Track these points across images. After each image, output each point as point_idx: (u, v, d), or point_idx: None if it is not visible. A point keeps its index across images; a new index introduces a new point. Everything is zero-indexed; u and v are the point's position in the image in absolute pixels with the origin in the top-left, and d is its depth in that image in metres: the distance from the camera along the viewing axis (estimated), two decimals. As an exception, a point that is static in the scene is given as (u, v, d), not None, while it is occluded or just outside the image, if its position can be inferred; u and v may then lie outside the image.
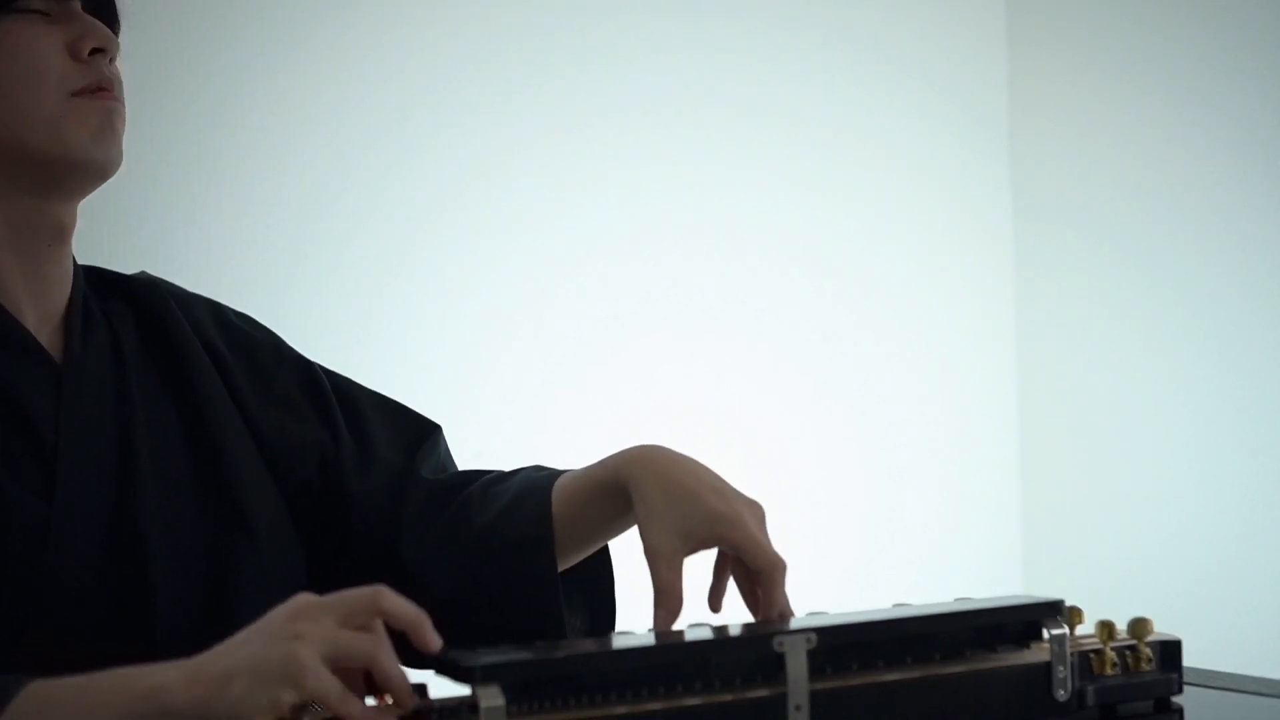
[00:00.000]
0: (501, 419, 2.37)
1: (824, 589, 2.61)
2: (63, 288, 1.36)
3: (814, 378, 2.73)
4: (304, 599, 1.05)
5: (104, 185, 1.37)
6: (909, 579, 2.78)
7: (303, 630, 1.01)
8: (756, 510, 1.31)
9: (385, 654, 1.02)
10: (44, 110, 1.29)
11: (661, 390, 2.55)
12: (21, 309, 1.32)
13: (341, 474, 1.43)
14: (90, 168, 1.32)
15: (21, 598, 1.21)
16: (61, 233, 1.35)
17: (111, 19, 1.39)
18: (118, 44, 1.35)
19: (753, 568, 1.26)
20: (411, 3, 2.35)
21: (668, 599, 1.23)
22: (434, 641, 1.04)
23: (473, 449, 2.36)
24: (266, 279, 2.22)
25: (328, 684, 1.00)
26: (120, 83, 1.35)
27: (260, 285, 2.19)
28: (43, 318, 1.34)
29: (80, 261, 1.39)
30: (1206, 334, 2.73)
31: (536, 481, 1.42)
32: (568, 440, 2.43)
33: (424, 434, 1.49)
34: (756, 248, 2.67)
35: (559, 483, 1.40)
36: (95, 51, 1.32)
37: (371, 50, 2.32)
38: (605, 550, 1.44)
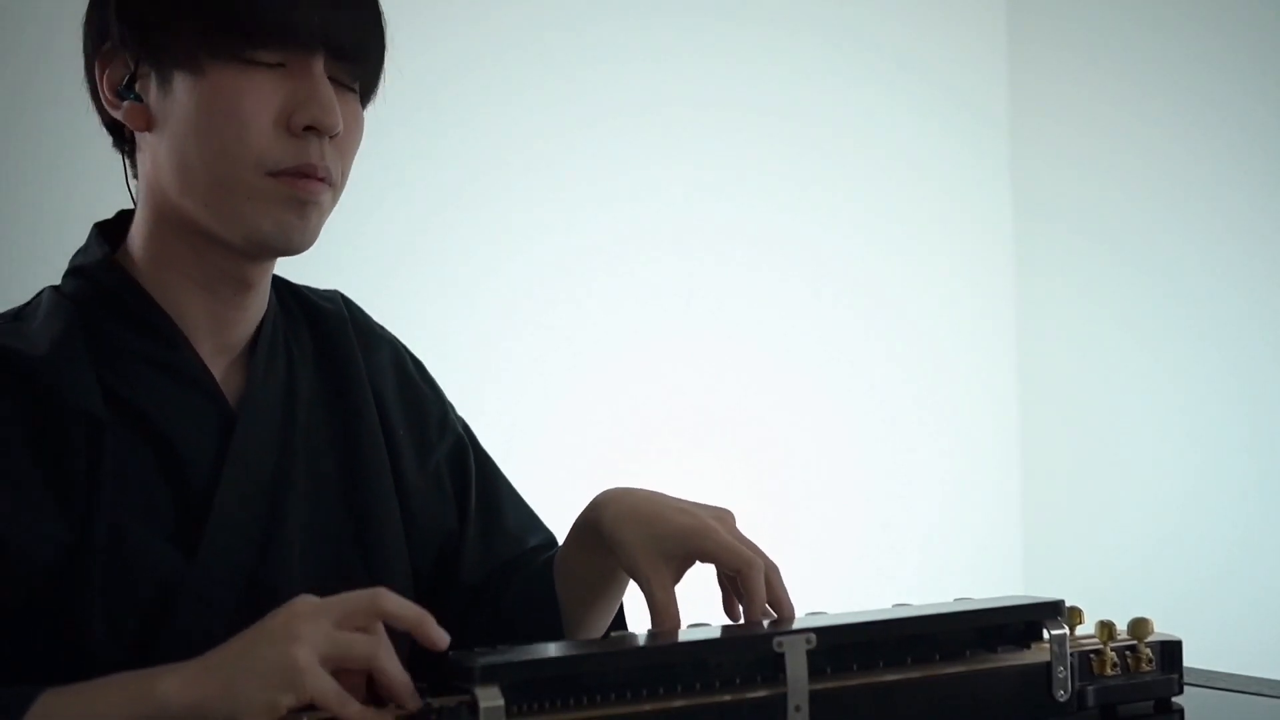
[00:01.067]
0: (501, 419, 2.37)
1: (824, 589, 2.61)
2: (248, 327, 1.31)
3: (814, 378, 2.74)
4: (303, 600, 1.04)
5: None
6: (909, 579, 2.78)
7: (301, 632, 1.01)
8: (725, 518, 1.31)
9: (385, 655, 1.02)
10: (235, 181, 1.20)
11: (661, 390, 2.55)
12: (200, 340, 1.27)
13: (458, 564, 1.40)
14: (270, 249, 1.25)
15: (145, 649, 1.17)
16: (248, 286, 1.29)
17: (368, 73, 1.27)
18: (339, 122, 1.22)
19: (730, 572, 1.26)
20: (412, 2, 2.35)
21: (663, 620, 1.22)
22: (441, 638, 1.04)
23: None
24: (266, 279, 2.22)
25: (326, 686, 0.99)
26: (342, 160, 1.24)
27: (260, 285, 2.19)
28: (220, 351, 1.29)
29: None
30: (1206, 334, 2.73)
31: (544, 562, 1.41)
32: (568, 440, 2.43)
33: (548, 542, 1.48)
34: (756, 248, 2.67)
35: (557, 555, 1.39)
36: (310, 128, 1.21)
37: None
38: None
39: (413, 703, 1.01)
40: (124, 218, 1.32)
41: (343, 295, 1.46)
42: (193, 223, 1.24)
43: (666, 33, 2.58)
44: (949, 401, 2.90)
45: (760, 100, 2.68)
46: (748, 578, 1.22)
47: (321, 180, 1.23)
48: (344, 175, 1.27)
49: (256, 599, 1.23)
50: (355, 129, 1.27)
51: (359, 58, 1.25)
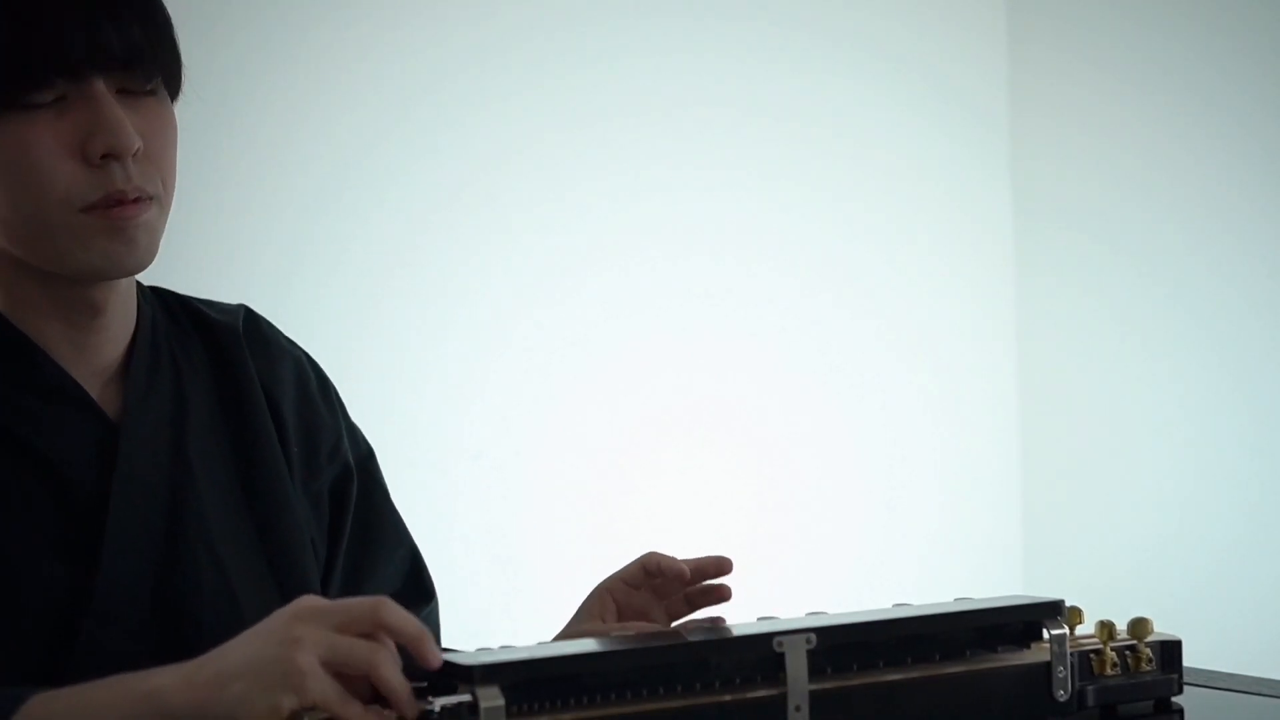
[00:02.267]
0: (502, 420, 2.37)
1: (824, 589, 2.61)
2: (115, 346, 1.27)
3: (814, 377, 2.73)
4: (306, 602, 1.04)
5: None
6: (909, 579, 2.78)
7: (302, 634, 1.00)
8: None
9: (385, 660, 1.01)
10: (47, 225, 1.16)
11: (662, 390, 2.54)
12: (69, 363, 1.24)
13: (327, 590, 1.37)
14: (104, 275, 1.21)
15: (59, 667, 1.16)
16: (99, 310, 1.24)
17: (162, 71, 1.20)
18: (134, 140, 1.16)
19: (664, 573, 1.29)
20: (411, 3, 2.35)
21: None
22: (435, 657, 1.03)
23: (473, 450, 2.37)
24: (266, 279, 2.22)
25: (327, 688, 0.99)
26: (157, 171, 1.19)
27: (260, 285, 2.19)
28: (94, 370, 1.26)
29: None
30: (1206, 334, 2.73)
31: None
32: (568, 440, 2.43)
33: (422, 597, 1.43)
34: (756, 248, 2.67)
35: None
36: (107, 155, 1.16)
37: (371, 50, 2.32)
38: None
39: (411, 711, 1.01)
40: None
41: (247, 309, 1.40)
42: (26, 261, 1.21)
43: (666, 32, 2.58)
44: (949, 401, 2.90)
45: (760, 100, 2.68)
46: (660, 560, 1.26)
47: (136, 201, 1.18)
48: (166, 182, 1.21)
49: (164, 612, 1.22)
50: (162, 132, 1.21)
51: (141, 61, 1.18)
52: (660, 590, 1.37)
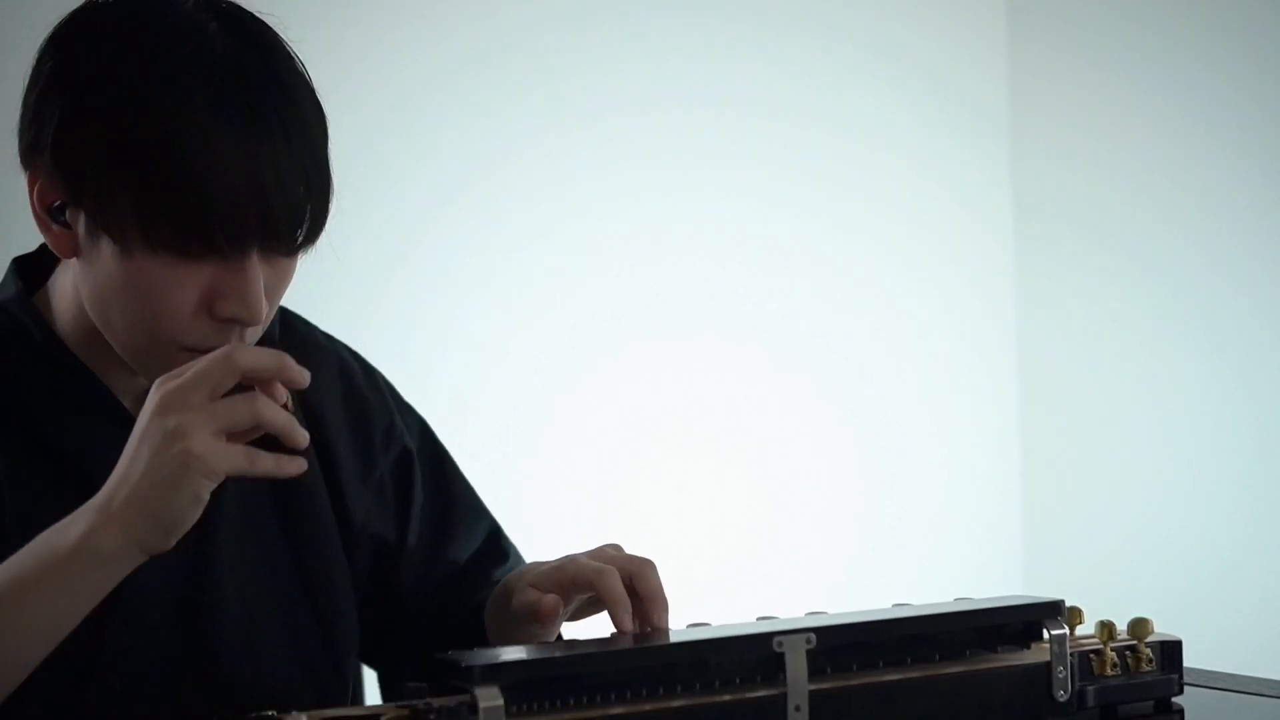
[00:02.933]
0: (502, 420, 2.37)
1: (824, 589, 2.61)
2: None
3: (814, 378, 2.73)
4: (163, 391, 1.06)
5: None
6: (909, 579, 2.77)
7: (179, 422, 1.03)
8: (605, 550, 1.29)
9: (265, 405, 1.05)
10: (146, 349, 1.17)
11: (661, 390, 2.55)
12: (110, 374, 1.24)
13: (397, 570, 1.39)
14: None
15: (81, 669, 1.17)
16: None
17: (308, 242, 1.20)
18: (262, 315, 1.16)
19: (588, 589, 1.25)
20: (411, 3, 2.35)
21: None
22: (301, 376, 1.08)
23: (472, 450, 2.37)
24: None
25: (233, 455, 1.03)
26: (263, 326, 1.20)
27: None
28: (136, 382, 1.24)
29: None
30: (1206, 334, 2.73)
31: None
32: (568, 441, 2.43)
33: (498, 555, 1.45)
34: (756, 248, 2.67)
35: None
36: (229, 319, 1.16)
37: (371, 50, 2.32)
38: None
39: (302, 440, 1.06)
40: (47, 254, 1.26)
41: (283, 309, 1.38)
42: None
43: (666, 33, 2.58)
44: (949, 401, 2.90)
45: (760, 100, 2.68)
46: (602, 585, 1.21)
47: None
48: (269, 318, 1.22)
49: (189, 618, 1.23)
50: (282, 285, 1.22)
51: (298, 231, 1.18)
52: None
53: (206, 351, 1.14)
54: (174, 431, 1.02)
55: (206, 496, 1.03)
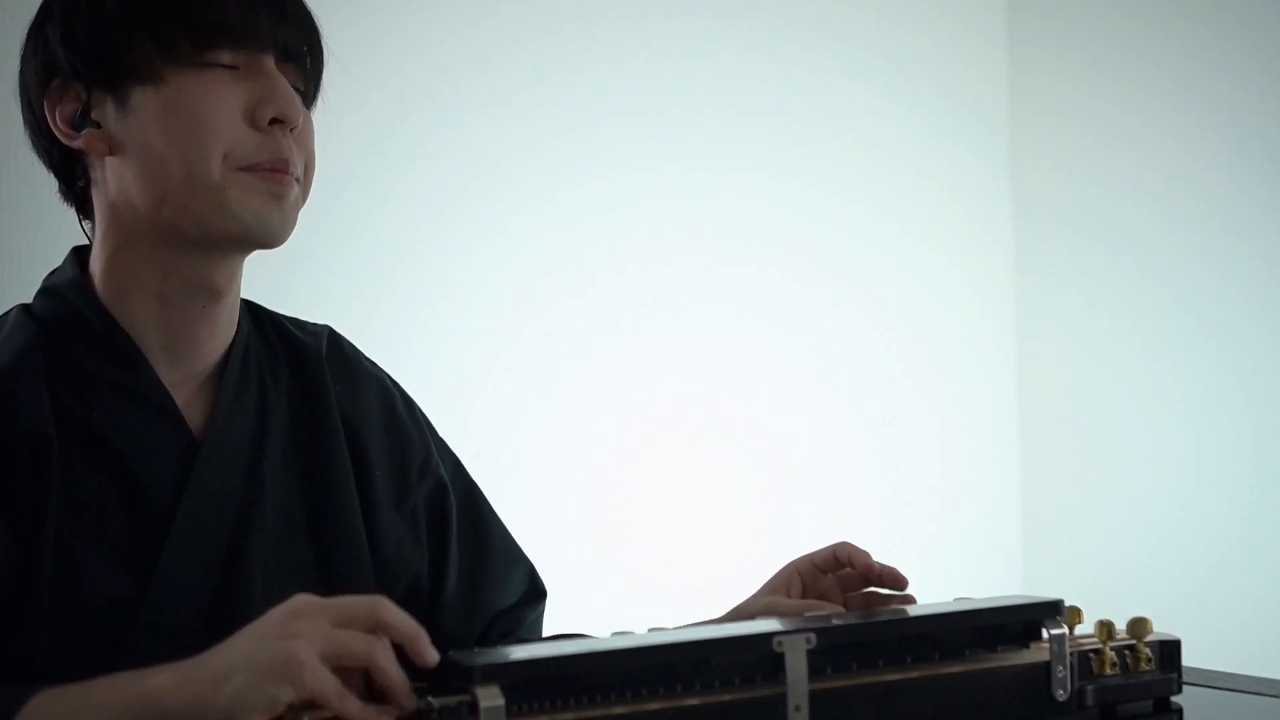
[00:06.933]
0: (502, 420, 2.37)
1: (824, 589, 2.60)
2: (215, 347, 1.31)
3: (813, 378, 2.73)
4: (303, 599, 1.04)
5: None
6: (909, 579, 2.77)
7: (300, 629, 1.00)
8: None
9: (384, 654, 1.01)
10: (209, 178, 1.22)
11: (661, 391, 2.55)
12: (164, 363, 1.27)
13: (433, 618, 1.39)
14: (251, 240, 1.27)
15: (98, 674, 1.15)
16: (217, 293, 1.29)
17: (311, 76, 1.31)
18: (303, 113, 1.27)
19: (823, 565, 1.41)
20: (411, 3, 2.35)
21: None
22: (431, 656, 1.03)
23: (472, 450, 2.36)
24: (265, 279, 2.22)
25: (325, 680, 0.99)
26: (304, 154, 1.27)
27: (259, 286, 2.19)
28: (186, 376, 1.28)
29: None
30: (1206, 334, 2.73)
31: None
32: (568, 441, 2.43)
33: (535, 595, 1.48)
34: (755, 248, 2.67)
35: None
36: (275, 121, 1.24)
37: (371, 50, 2.32)
38: None
39: (409, 703, 1.01)
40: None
41: (331, 330, 1.43)
42: (165, 232, 1.24)
43: (666, 33, 2.58)
44: (949, 402, 2.90)
45: (760, 100, 2.68)
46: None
47: (290, 174, 1.26)
48: (308, 172, 1.29)
49: (215, 633, 1.20)
50: (310, 128, 1.30)
51: (302, 59, 1.29)
52: (845, 580, 1.42)
53: (264, 169, 1.22)
54: (290, 634, 1.00)
55: (280, 707, 0.98)
